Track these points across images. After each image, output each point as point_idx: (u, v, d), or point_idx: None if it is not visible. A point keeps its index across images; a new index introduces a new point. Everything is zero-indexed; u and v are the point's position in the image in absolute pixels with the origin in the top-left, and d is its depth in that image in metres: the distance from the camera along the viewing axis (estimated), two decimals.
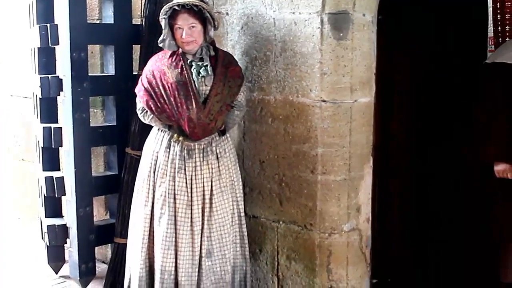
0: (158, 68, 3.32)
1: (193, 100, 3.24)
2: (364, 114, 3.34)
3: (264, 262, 3.61)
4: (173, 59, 3.31)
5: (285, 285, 3.53)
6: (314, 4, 3.20)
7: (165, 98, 3.28)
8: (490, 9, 3.81)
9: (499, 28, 3.87)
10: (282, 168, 3.45)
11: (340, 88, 3.24)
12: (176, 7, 3.22)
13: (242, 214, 3.49)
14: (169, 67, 3.29)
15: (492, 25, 3.91)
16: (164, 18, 3.26)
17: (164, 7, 3.25)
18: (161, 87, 3.29)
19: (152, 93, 3.30)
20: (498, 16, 3.84)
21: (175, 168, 3.33)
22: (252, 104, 3.52)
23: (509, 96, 3.29)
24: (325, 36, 3.20)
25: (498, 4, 3.83)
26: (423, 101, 3.60)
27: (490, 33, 4.01)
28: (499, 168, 3.37)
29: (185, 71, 3.27)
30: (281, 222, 3.51)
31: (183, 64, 3.29)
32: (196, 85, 3.27)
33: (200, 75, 3.28)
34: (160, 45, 3.34)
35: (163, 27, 3.29)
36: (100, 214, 4.45)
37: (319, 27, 3.20)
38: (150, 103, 3.31)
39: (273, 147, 3.48)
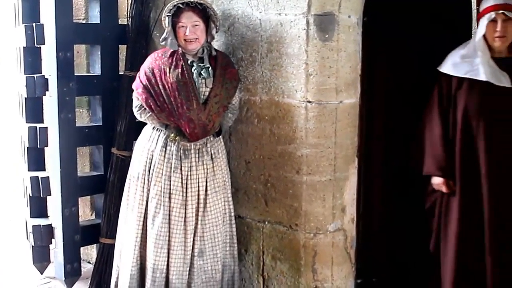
0: (158, 66, 3.32)
1: (193, 101, 3.26)
2: (349, 115, 3.36)
3: (249, 262, 3.62)
4: (174, 59, 3.32)
5: (270, 285, 3.54)
6: (300, 5, 3.22)
7: (165, 97, 3.29)
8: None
9: None
10: (268, 169, 3.46)
11: (325, 89, 3.26)
12: (181, 5, 3.24)
13: (232, 214, 3.52)
14: (170, 67, 3.30)
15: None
16: (167, 16, 3.28)
17: (168, 5, 3.28)
18: (160, 86, 3.29)
19: (152, 91, 3.31)
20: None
21: (171, 168, 3.34)
22: (238, 105, 3.53)
23: (445, 107, 3.32)
24: (310, 37, 3.22)
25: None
26: (406, 102, 3.62)
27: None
28: (434, 181, 3.38)
29: (185, 72, 3.29)
30: (266, 223, 3.52)
31: (183, 64, 3.30)
32: (197, 86, 3.29)
33: (201, 76, 3.30)
34: (162, 43, 3.35)
35: (166, 25, 3.30)
36: (85, 214, 4.44)
37: (304, 29, 3.22)
38: (149, 101, 3.31)
39: (259, 147, 3.49)
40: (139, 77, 3.39)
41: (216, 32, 3.39)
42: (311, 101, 3.26)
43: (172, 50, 3.33)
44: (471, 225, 3.26)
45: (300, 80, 3.27)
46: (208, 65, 3.32)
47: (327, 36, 3.21)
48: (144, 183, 3.40)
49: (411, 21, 3.58)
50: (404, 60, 3.61)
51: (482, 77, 3.17)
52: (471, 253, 3.27)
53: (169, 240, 3.37)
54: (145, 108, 3.36)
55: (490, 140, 3.21)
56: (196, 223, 3.39)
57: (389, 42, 3.57)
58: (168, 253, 3.38)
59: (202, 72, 3.31)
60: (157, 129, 3.41)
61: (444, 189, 3.35)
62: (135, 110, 3.45)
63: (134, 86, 3.41)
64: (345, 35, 3.26)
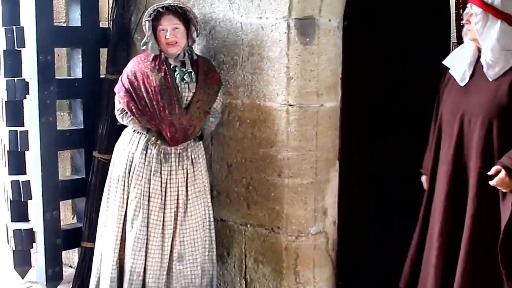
0: (141, 70, 3.32)
1: (176, 105, 3.27)
2: (330, 118, 3.37)
3: (232, 265, 3.63)
4: (156, 63, 3.32)
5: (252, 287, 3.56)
6: (281, 9, 3.23)
7: (147, 101, 3.28)
8: (453, 15, 3.87)
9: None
10: (250, 172, 3.47)
11: (306, 93, 3.27)
12: (161, 9, 3.25)
13: (212, 219, 3.52)
14: (153, 71, 3.30)
15: (455, 30, 3.97)
16: (148, 20, 3.28)
17: (149, 9, 3.28)
18: (143, 90, 3.29)
19: (134, 95, 3.31)
20: (461, 22, 3.89)
21: (151, 171, 3.34)
22: (221, 109, 3.53)
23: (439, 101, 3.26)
24: (291, 41, 3.23)
25: (460, 10, 3.89)
26: (388, 105, 3.65)
27: (453, 39, 4.07)
28: (422, 178, 3.36)
29: (168, 76, 3.29)
30: (248, 226, 3.53)
31: (166, 68, 3.30)
32: (179, 90, 3.29)
33: (184, 81, 3.30)
34: (143, 47, 3.35)
35: (146, 30, 3.31)
36: (67, 218, 4.41)
37: (285, 32, 3.23)
38: (131, 104, 3.31)
39: (241, 150, 3.49)
40: (121, 80, 3.38)
41: (197, 35, 3.39)
42: (292, 104, 3.28)
43: (154, 54, 3.33)
44: (434, 226, 3.20)
45: (281, 84, 3.28)
46: (191, 70, 3.33)
47: (308, 39, 3.22)
48: (124, 185, 3.40)
49: (391, 24, 3.61)
50: (384, 63, 3.64)
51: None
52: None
53: (147, 244, 3.37)
54: (126, 112, 3.36)
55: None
56: (175, 227, 3.39)
57: (370, 46, 3.59)
58: (146, 256, 3.38)
59: (185, 76, 3.31)
60: (138, 132, 3.40)
61: (424, 185, 3.33)
62: (117, 113, 3.45)
63: (116, 89, 3.41)
64: (326, 39, 3.27)
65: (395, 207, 3.79)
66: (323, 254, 3.46)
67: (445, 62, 3.11)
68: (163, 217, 3.37)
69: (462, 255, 2.91)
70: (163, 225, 3.37)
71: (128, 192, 3.38)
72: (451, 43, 4.15)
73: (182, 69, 3.34)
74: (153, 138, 3.34)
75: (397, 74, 3.70)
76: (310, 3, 3.21)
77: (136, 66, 3.35)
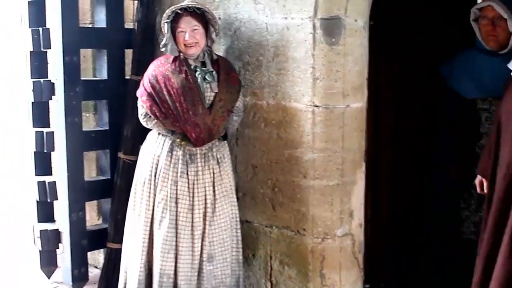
0: (162, 73, 3.32)
1: (199, 105, 3.26)
2: (356, 119, 3.34)
3: (257, 267, 3.61)
4: (177, 64, 3.32)
5: None
6: (307, 9, 3.20)
7: (170, 104, 3.28)
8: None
9: None
10: (275, 173, 3.45)
11: (332, 93, 3.24)
12: (179, 11, 3.24)
13: (238, 218, 3.51)
14: (173, 72, 3.30)
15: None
16: (166, 22, 3.27)
17: (167, 11, 3.27)
18: (165, 92, 3.29)
19: (156, 98, 3.31)
20: None
21: (177, 173, 3.33)
22: (245, 109, 3.51)
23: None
24: (317, 41, 3.20)
25: None
26: (414, 106, 3.60)
27: None
28: (476, 180, 3.32)
29: (189, 77, 3.28)
30: (274, 227, 3.51)
31: (187, 69, 3.30)
32: (202, 90, 3.28)
33: (206, 80, 3.29)
34: (162, 49, 3.35)
35: (165, 32, 3.30)
36: (92, 219, 4.43)
37: (311, 32, 3.20)
38: (154, 108, 3.31)
39: (266, 152, 3.47)
40: (143, 84, 3.38)
41: (216, 35, 3.38)
42: (318, 105, 3.25)
43: (174, 56, 3.32)
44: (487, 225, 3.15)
45: (307, 84, 3.25)
46: (212, 69, 3.32)
47: (333, 40, 3.19)
48: (150, 188, 3.39)
49: (418, 24, 3.56)
50: (411, 64, 3.59)
51: None
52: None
53: (176, 245, 3.36)
54: (150, 116, 3.36)
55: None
56: (204, 228, 3.38)
57: (396, 46, 3.55)
58: (176, 258, 3.37)
59: (206, 76, 3.30)
60: (162, 134, 3.40)
61: (478, 188, 3.29)
62: (141, 118, 3.45)
63: (138, 94, 3.41)
64: (352, 39, 3.24)
65: (422, 209, 3.74)
66: (349, 256, 3.42)
67: (509, 65, 3.02)
68: (192, 218, 3.36)
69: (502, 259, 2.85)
70: (192, 226, 3.36)
71: (155, 195, 3.38)
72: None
73: (203, 69, 3.33)
74: (178, 140, 3.33)
75: (423, 75, 3.64)
76: (336, 3, 3.17)
77: (157, 69, 3.35)
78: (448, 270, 3.62)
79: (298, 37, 3.25)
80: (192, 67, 3.33)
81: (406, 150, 3.60)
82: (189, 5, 3.25)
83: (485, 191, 3.23)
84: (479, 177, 3.28)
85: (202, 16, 3.29)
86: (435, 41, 3.66)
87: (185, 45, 3.28)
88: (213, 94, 3.32)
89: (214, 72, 3.32)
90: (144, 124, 3.46)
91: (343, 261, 3.40)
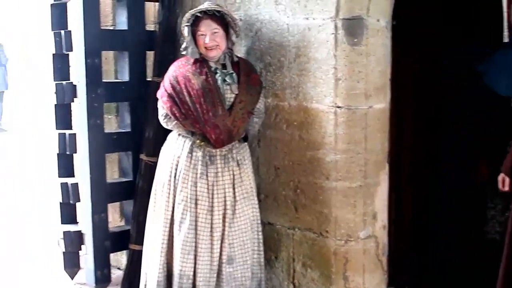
0: (182, 74, 3.32)
1: (219, 107, 3.26)
2: (379, 120, 3.31)
3: (279, 269, 3.59)
4: (197, 66, 3.32)
5: None
6: (328, 9, 3.17)
7: (190, 105, 3.28)
8: (504, 14, 3.74)
9: None
10: (297, 175, 3.43)
11: (354, 94, 3.21)
12: (199, 14, 3.23)
13: (259, 220, 3.50)
14: (194, 74, 3.30)
15: (506, 29, 3.83)
16: (186, 25, 3.26)
17: (186, 14, 3.28)
18: (185, 94, 3.29)
19: (176, 99, 3.31)
20: None
21: (197, 174, 3.33)
22: (266, 110, 3.50)
23: None
24: (339, 41, 3.17)
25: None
26: (437, 107, 3.55)
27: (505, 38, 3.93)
28: (499, 177, 3.29)
29: (210, 78, 3.28)
30: (296, 229, 3.49)
31: (207, 71, 3.30)
32: (222, 92, 3.27)
33: (226, 82, 3.29)
34: (183, 52, 3.36)
35: (185, 35, 3.30)
36: (115, 220, 4.44)
37: (333, 33, 3.17)
38: (174, 109, 3.31)
39: (288, 153, 3.46)
40: (163, 85, 3.38)
41: (236, 37, 3.37)
42: (341, 106, 3.22)
43: (194, 57, 3.32)
44: None
45: (329, 85, 3.23)
46: (232, 71, 3.32)
47: (355, 40, 3.16)
48: (170, 189, 3.39)
49: (441, 24, 3.51)
50: (435, 64, 3.55)
51: None
52: None
53: (195, 247, 3.36)
54: (170, 117, 3.36)
55: None
56: (224, 230, 3.37)
57: (419, 46, 3.50)
58: (195, 259, 3.37)
59: (226, 78, 3.30)
60: (182, 136, 3.40)
61: (500, 185, 3.25)
62: (161, 118, 3.45)
63: (158, 95, 3.41)
64: (374, 39, 3.21)
65: (447, 210, 3.70)
66: (373, 259, 3.39)
67: None
68: (211, 219, 3.35)
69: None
70: (211, 227, 3.36)
71: (174, 196, 3.38)
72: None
73: (223, 71, 3.32)
74: (198, 141, 3.33)
75: (446, 74, 3.60)
76: (357, 3, 3.15)
77: (177, 70, 3.35)
78: (472, 270, 3.57)
79: (320, 38, 3.23)
80: (212, 68, 3.32)
81: (428, 150, 3.55)
82: (209, 8, 3.24)
83: (506, 188, 3.20)
84: (502, 174, 3.25)
85: (222, 19, 3.28)
86: (459, 39, 3.61)
87: (205, 48, 3.28)
88: (233, 95, 3.31)
89: (234, 74, 3.32)
90: (164, 125, 3.46)
91: (366, 264, 3.37)
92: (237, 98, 3.30)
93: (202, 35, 3.27)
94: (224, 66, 3.35)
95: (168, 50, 3.85)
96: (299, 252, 3.49)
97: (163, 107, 3.40)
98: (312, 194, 3.38)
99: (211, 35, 3.26)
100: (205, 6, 3.28)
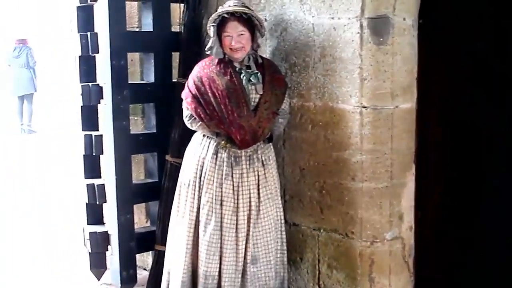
0: (206, 75, 3.32)
1: (244, 107, 3.26)
2: (405, 120, 3.28)
3: (305, 270, 3.58)
4: (221, 67, 3.32)
5: None
6: (353, 8, 3.15)
7: (214, 105, 3.28)
8: None
9: None
10: (323, 176, 3.41)
11: (380, 94, 3.18)
12: (226, 15, 3.22)
13: (283, 221, 3.50)
14: (218, 74, 3.30)
15: None
16: (212, 25, 3.27)
17: (213, 15, 3.27)
18: (210, 94, 3.29)
19: (201, 100, 3.31)
20: None
21: (222, 175, 3.33)
22: (291, 111, 3.49)
23: None
24: (364, 41, 3.15)
25: None
26: (466, 107, 3.49)
27: None
28: None
29: (234, 79, 3.28)
30: (322, 230, 3.47)
31: (231, 71, 3.30)
32: (247, 92, 3.27)
33: (251, 82, 3.28)
34: (208, 52, 3.36)
35: (211, 35, 3.30)
36: (140, 221, 4.46)
37: (358, 32, 3.15)
38: (198, 110, 3.31)
39: (313, 154, 3.44)
40: (187, 86, 3.39)
41: (262, 37, 3.36)
42: (366, 106, 3.20)
43: (219, 58, 3.32)
44: None
45: (355, 85, 3.21)
46: (257, 71, 3.31)
47: (381, 39, 3.14)
48: (195, 190, 3.40)
49: (469, 22, 3.45)
50: (462, 63, 3.49)
51: None
52: None
53: (221, 247, 3.36)
54: (195, 118, 3.36)
55: None
56: (248, 230, 3.37)
57: (447, 44, 3.45)
58: (220, 260, 3.37)
59: (251, 78, 3.29)
60: (207, 137, 3.40)
61: None
62: (185, 119, 3.46)
63: (183, 95, 3.42)
64: (400, 38, 3.18)
65: (474, 212, 3.64)
66: (399, 260, 3.36)
67: None
68: (237, 220, 3.36)
69: None
70: (236, 228, 3.36)
71: (199, 197, 3.38)
72: None
73: (248, 70, 3.31)
74: (223, 142, 3.33)
75: (478, 74, 3.53)
76: (383, 2, 3.13)
77: (202, 71, 3.35)
78: (502, 271, 3.51)
79: (345, 37, 3.21)
80: (237, 69, 3.32)
81: (457, 150, 3.49)
82: (236, 10, 3.24)
83: None
84: None
85: (248, 21, 3.27)
86: (486, 38, 3.54)
87: (230, 49, 3.28)
88: (258, 96, 3.30)
89: (259, 74, 3.31)
90: (188, 125, 3.46)
91: (392, 265, 3.35)
92: (262, 98, 3.29)
93: (228, 36, 3.26)
94: (248, 67, 3.34)
95: (193, 51, 3.86)
96: (325, 253, 3.47)
97: (187, 108, 3.40)
98: (337, 195, 3.36)
99: (237, 37, 3.26)
100: (232, 7, 3.26)
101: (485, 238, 3.44)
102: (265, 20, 3.53)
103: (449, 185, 3.56)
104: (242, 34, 3.27)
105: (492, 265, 3.47)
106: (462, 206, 3.55)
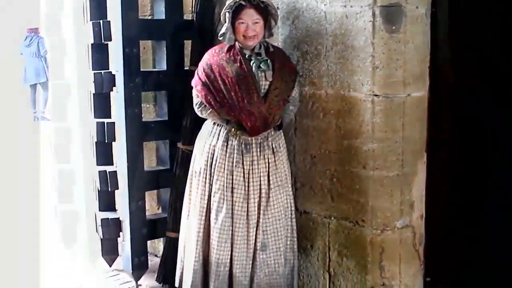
0: (216, 62, 3.33)
1: (254, 94, 3.26)
2: (417, 108, 3.27)
3: (315, 258, 3.59)
4: (231, 54, 3.32)
5: (336, 281, 3.50)
6: None
7: (225, 93, 3.28)
8: None
9: None
10: (334, 163, 3.42)
11: (392, 82, 3.18)
12: (243, 2, 3.23)
13: (293, 208, 3.51)
14: (228, 62, 3.30)
15: None
16: (228, 11, 3.27)
17: (230, 1, 3.26)
18: (220, 82, 3.29)
19: (211, 87, 3.32)
20: None
21: (232, 162, 3.35)
22: (303, 99, 3.49)
23: None
24: (377, 29, 3.15)
25: None
26: (477, 95, 3.48)
27: None
28: None
29: (244, 65, 3.28)
30: (332, 218, 3.48)
31: (241, 58, 3.30)
32: (256, 79, 3.27)
33: (260, 69, 3.29)
34: (220, 38, 3.36)
35: (225, 21, 3.30)
36: (152, 208, 4.49)
37: (371, 20, 3.15)
38: (209, 97, 3.32)
39: (325, 142, 3.44)
40: (197, 74, 3.40)
41: (275, 25, 3.37)
42: (378, 94, 3.20)
43: (229, 45, 3.32)
44: None
45: (366, 73, 3.20)
46: (267, 58, 3.31)
47: (394, 28, 3.13)
48: (206, 178, 3.41)
49: (483, 12, 3.43)
50: (475, 52, 3.47)
51: None
52: None
53: (232, 235, 3.38)
54: (205, 105, 3.37)
55: None
56: (258, 217, 3.39)
57: (459, 33, 3.44)
58: (232, 247, 3.39)
59: (261, 64, 3.29)
60: (218, 124, 3.41)
61: None
62: (195, 107, 3.46)
63: (193, 83, 3.43)
64: (413, 27, 3.17)
65: (485, 201, 3.63)
66: (409, 248, 3.37)
67: None
68: (247, 207, 3.37)
69: None
70: (247, 215, 3.38)
71: (210, 184, 3.40)
72: None
73: (257, 57, 3.32)
74: (233, 129, 3.34)
75: (490, 63, 3.52)
76: None
77: (211, 58, 3.36)
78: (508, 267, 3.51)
79: (357, 25, 3.20)
80: (246, 56, 3.32)
81: (469, 140, 3.48)
82: None
83: None
84: None
85: (264, 9, 3.27)
86: (500, 29, 3.53)
87: (244, 36, 3.28)
88: (268, 82, 3.30)
89: (268, 61, 3.31)
90: (198, 113, 3.47)
91: (403, 254, 3.35)
92: (272, 85, 3.30)
93: (242, 23, 3.27)
94: (258, 54, 3.34)
95: (205, 40, 3.87)
96: (335, 241, 3.48)
97: (197, 96, 3.41)
98: (348, 183, 3.36)
99: (252, 25, 3.26)
100: None
101: (496, 225, 3.43)
102: (278, 8, 3.52)
103: (459, 175, 3.55)
104: (256, 22, 3.27)
105: (498, 261, 3.46)
106: (473, 195, 3.54)
